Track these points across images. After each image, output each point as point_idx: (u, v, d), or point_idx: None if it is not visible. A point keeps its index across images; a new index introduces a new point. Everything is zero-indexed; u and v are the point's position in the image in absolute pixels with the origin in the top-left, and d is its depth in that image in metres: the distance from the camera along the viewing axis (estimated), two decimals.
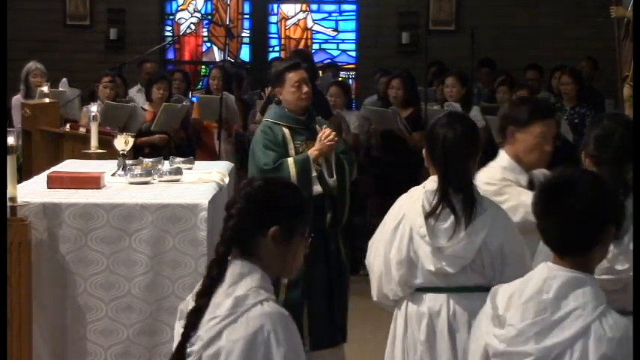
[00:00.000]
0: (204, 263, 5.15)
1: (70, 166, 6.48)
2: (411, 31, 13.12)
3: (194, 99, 11.02)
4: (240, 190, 3.26)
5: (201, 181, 5.86)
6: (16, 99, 10.20)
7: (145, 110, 9.69)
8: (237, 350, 3.05)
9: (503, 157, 4.87)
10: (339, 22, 13.81)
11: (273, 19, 13.88)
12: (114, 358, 5.17)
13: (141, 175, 5.78)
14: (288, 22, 13.88)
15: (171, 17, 13.89)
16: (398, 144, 9.61)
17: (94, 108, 7.19)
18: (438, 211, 4.36)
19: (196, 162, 6.59)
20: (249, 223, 3.18)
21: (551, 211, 3.20)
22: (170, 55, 13.98)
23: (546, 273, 3.20)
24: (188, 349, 3.15)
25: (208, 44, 14.07)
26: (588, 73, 11.22)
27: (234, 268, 3.17)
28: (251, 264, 3.17)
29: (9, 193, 4.97)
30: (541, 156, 4.82)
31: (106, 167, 6.03)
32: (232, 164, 7.01)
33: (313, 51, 13.76)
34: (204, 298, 3.16)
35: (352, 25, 13.75)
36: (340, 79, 12.82)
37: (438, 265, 4.38)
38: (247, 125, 10.18)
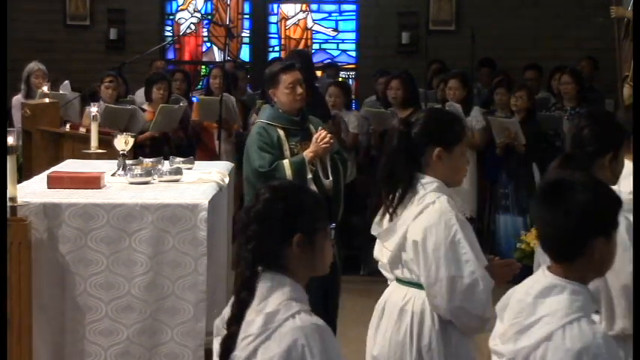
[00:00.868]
0: (204, 263, 5.16)
1: (70, 166, 6.48)
2: (411, 31, 13.12)
3: (194, 99, 11.01)
4: (249, 209, 3.19)
5: (201, 181, 5.86)
6: (17, 99, 10.21)
7: (145, 110, 9.69)
8: None
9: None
10: (339, 22, 13.81)
11: (273, 19, 13.88)
12: (114, 358, 5.17)
13: (141, 175, 5.78)
14: (288, 22, 13.88)
15: (171, 17, 13.90)
16: None
17: (94, 108, 7.19)
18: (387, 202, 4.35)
19: (196, 162, 6.59)
20: (269, 242, 3.14)
21: (544, 214, 3.18)
22: (170, 55, 13.98)
23: (537, 276, 3.20)
24: None
25: (208, 44, 14.07)
26: (588, 73, 11.22)
27: (262, 283, 3.13)
28: (279, 275, 3.14)
29: (9, 193, 4.98)
30: None
31: (106, 167, 6.03)
32: (232, 164, 7.01)
33: (313, 51, 13.76)
34: (234, 324, 3.11)
35: (352, 25, 13.76)
36: (340, 79, 12.82)
37: (377, 253, 4.38)
38: (247, 125, 10.18)
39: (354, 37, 13.74)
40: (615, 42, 7.95)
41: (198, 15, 13.90)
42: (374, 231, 4.40)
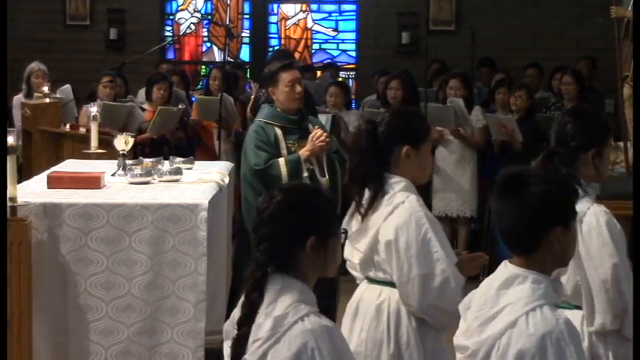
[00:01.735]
0: (204, 263, 5.16)
1: (70, 166, 6.48)
2: (411, 31, 13.12)
3: (193, 99, 11.01)
4: (263, 210, 3.16)
5: (201, 181, 5.86)
6: (17, 99, 10.21)
7: (145, 110, 9.69)
8: None
9: None
10: (339, 22, 13.81)
11: (273, 19, 13.88)
12: (114, 358, 5.17)
13: (141, 175, 5.79)
14: (288, 22, 13.88)
15: (171, 17, 13.89)
16: None
17: (93, 108, 7.20)
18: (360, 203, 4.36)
19: (196, 162, 6.59)
20: (283, 244, 3.12)
21: (500, 207, 3.19)
22: (170, 55, 13.97)
23: (499, 270, 3.22)
24: None
25: (208, 44, 14.07)
26: (587, 73, 11.21)
27: (271, 285, 3.11)
28: (288, 278, 3.12)
29: (9, 193, 4.98)
30: None
31: (106, 167, 6.04)
32: (232, 164, 7.01)
33: (313, 51, 13.77)
34: (245, 325, 3.09)
35: (352, 25, 13.75)
36: (340, 79, 12.82)
37: (347, 254, 4.38)
38: (246, 125, 10.18)
39: (354, 37, 13.73)
40: (615, 42, 7.93)
41: (198, 15, 13.90)
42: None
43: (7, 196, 4.97)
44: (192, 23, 13.91)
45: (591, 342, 4.07)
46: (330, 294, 6.48)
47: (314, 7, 13.86)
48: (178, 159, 6.45)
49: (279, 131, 6.55)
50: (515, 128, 9.23)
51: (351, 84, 13.18)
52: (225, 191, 6.12)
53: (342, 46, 13.84)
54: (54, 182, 5.53)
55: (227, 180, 6.21)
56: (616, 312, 3.99)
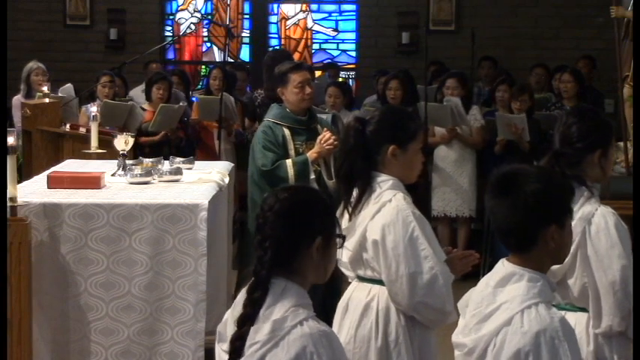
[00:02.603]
0: (204, 263, 5.16)
1: (70, 166, 6.48)
2: (411, 31, 13.12)
3: (194, 99, 11.01)
4: (267, 209, 3.13)
5: (201, 181, 5.86)
6: (17, 99, 10.21)
7: (145, 110, 9.69)
8: None
9: None
10: (339, 22, 13.81)
11: (273, 19, 13.88)
12: (114, 358, 5.17)
13: (141, 175, 5.79)
14: (288, 22, 13.88)
15: (171, 17, 13.89)
16: None
17: (93, 108, 7.20)
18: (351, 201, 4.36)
19: (196, 162, 6.59)
20: (289, 243, 3.10)
21: (495, 207, 3.20)
22: (170, 55, 13.98)
23: (496, 268, 3.23)
24: None
25: (208, 44, 14.07)
26: (587, 72, 11.21)
27: (271, 287, 3.09)
28: (286, 281, 3.10)
29: (9, 193, 4.98)
30: None
31: (106, 167, 6.03)
32: (232, 164, 7.01)
33: (313, 51, 13.77)
34: (247, 324, 3.07)
35: (352, 25, 13.75)
36: (340, 79, 12.82)
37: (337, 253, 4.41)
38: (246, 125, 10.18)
39: (354, 37, 13.73)
40: (615, 42, 7.94)
41: (198, 15, 13.90)
42: None
43: (7, 196, 4.97)
44: (192, 23, 13.91)
45: (597, 344, 4.06)
46: (333, 293, 6.47)
47: (314, 7, 13.86)
48: (178, 159, 6.45)
49: (287, 132, 6.56)
50: (525, 127, 9.22)
51: (351, 84, 13.18)
52: (225, 191, 6.12)
53: (342, 46, 13.84)
54: (54, 182, 5.53)
55: (227, 180, 6.21)
56: (624, 314, 3.98)
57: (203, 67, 13.98)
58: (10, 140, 5.04)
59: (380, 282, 4.30)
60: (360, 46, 13.60)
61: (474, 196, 9.51)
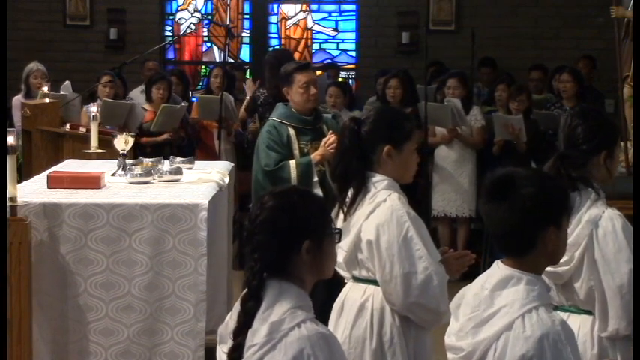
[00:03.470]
0: (204, 263, 5.16)
1: (70, 166, 6.48)
2: (411, 31, 13.11)
3: (194, 99, 11.01)
4: (255, 218, 3.13)
5: (201, 181, 5.86)
6: (17, 99, 10.22)
7: (146, 110, 9.70)
8: None
9: None
10: (339, 22, 13.80)
11: (273, 19, 13.87)
12: (114, 358, 5.17)
13: (141, 175, 5.79)
14: (288, 22, 13.88)
15: (171, 17, 13.89)
16: None
17: (93, 108, 7.20)
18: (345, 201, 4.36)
19: (196, 162, 6.59)
20: (277, 250, 3.10)
21: (491, 211, 3.19)
22: (170, 55, 13.97)
23: (491, 270, 3.21)
24: None
25: (208, 44, 14.07)
26: (587, 72, 11.21)
27: (268, 290, 3.09)
28: (284, 282, 3.10)
29: (9, 193, 4.98)
30: None
31: (106, 167, 6.04)
32: (232, 164, 7.01)
33: (313, 51, 13.76)
34: (241, 334, 3.07)
35: (352, 25, 13.75)
36: (340, 79, 12.82)
37: None
38: (246, 125, 10.18)
39: (354, 37, 13.73)
40: (615, 42, 7.94)
41: (198, 15, 13.89)
42: None
43: (7, 196, 4.97)
44: (192, 23, 13.90)
45: (601, 347, 4.05)
46: (335, 295, 6.47)
47: (314, 7, 13.85)
48: (178, 159, 6.45)
49: (292, 132, 6.57)
50: (522, 128, 9.23)
51: (351, 84, 13.17)
52: (225, 191, 6.12)
53: (342, 46, 13.83)
54: (54, 182, 5.53)
55: (227, 180, 6.21)
56: (630, 317, 3.97)
57: (203, 67, 13.98)
58: (10, 140, 5.05)
59: (375, 282, 4.30)
60: (360, 46, 13.59)
61: (474, 196, 9.52)
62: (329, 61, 13.64)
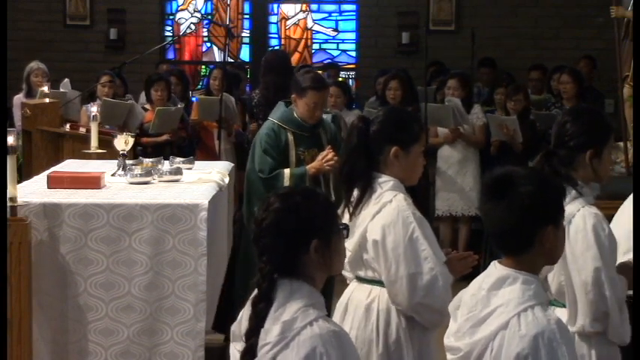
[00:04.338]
0: (204, 263, 5.16)
1: (70, 166, 6.48)
2: (411, 31, 13.11)
3: (194, 99, 11.01)
4: (261, 220, 3.14)
5: (201, 181, 5.86)
6: (18, 98, 10.22)
7: (147, 110, 9.70)
8: None
9: None
10: (339, 22, 13.80)
11: (273, 19, 13.87)
12: (114, 358, 5.17)
13: (141, 175, 5.79)
14: (288, 22, 13.88)
15: (171, 17, 13.89)
16: None
17: (93, 108, 7.20)
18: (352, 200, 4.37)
19: (196, 162, 6.59)
20: (285, 252, 3.11)
21: (489, 210, 3.19)
22: (170, 55, 13.97)
23: (488, 270, 3.22)
24: None
25: (208, 44, 14.07)
26: (587, 73, 11.21)
27: (279, 290, 3.10)
28: (295, 282, 3.11)
29: (9, 193, 4.98)
30: None
31: (106, 167, 6.04)
32: (232, 164, 7.01)
33: (313, 51, 13.76)
34: (253, 336, 3.08)
35: (352, 25, 13.75)
36: (340, 79, 12.82)
37: None
38: (247, 125, 10.18)
39: (354, 37, 13.73)
40: (615, 42, 7.94)
41: (198, 15, 13.89)
42: None
43: (7, 196, 4.97)
44: (192, 23, 13.90)
45: (575, 342, 4.07)
46: (326, 295, 6.46)
47: (314, 7, 13.85)
48: (178, 159, 6.45)
49: (290, 137, 6.54)
50: (516, 129, 9.24)
51: (351, 84, 13.17)
52: (225, 191, 6.12)
53: (342, 46, 13.83)
54: (54, 182, 5.53)
55: (227, 180, 6.21)
56: (595, 315, 4.00)
57: (203, 67, 13.98)
58: (10, 140, 5.05)
59: (380, 283, 4.30)
60: (360, 46, 13.59)
61: (477, 196, 9.52)
62: (329, 61, 13.64)
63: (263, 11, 13.82)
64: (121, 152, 5.99)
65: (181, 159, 6.48)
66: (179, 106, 9.86)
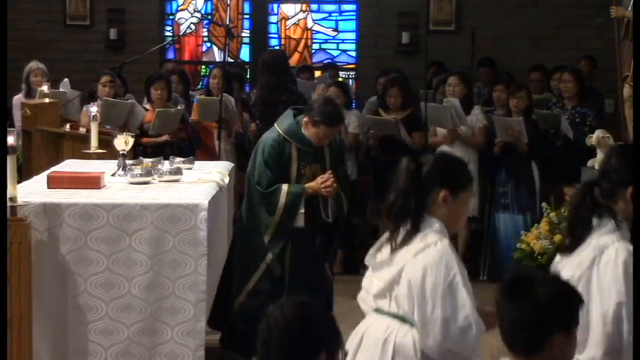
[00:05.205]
0: (204, 263, 5.16)
1: (70, 166, 6.48)
2: (411, 31, 13.10)
3: (194, 99, 11.00)
4: (272, 324, 3.11)
5: (201, 181, 5.86)
6: (17, 98, 10.22)
7: (147, 110, 9.70)
8: None
9: None
10: (339, 22, 13.79)
11: (273, 19, 13.87)
12: (114, 358, 5.17)
13: (141, 175, 5.79)
14: (288, 22, 13.87)
15: (171, 17, 13.88)
16: (396, 143, 9.63)
17: (93, 108, 7.20)
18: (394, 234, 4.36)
19: (196, 162, 6.59)
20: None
21: (504, 306, 3.22)
22: (170, 55, 13.97)
23: None
24: None
25: (208, 44, 14.07)
26: (587, 72, 11.21)
27: None
28: None
29: (9, 193, 4.98)
30: None
31: (106, 167, 6.04)
32: (232, 164, 7.01)
33: (313, 51, 13.76)
34: None
35: (352, 25, 13.74)
36: (340, 79, 12.82)
37: (365, 282, 4.39)
38: (247, 126, 10.18)
39: (354, 37, 13.72)
40: (615, 42, 7.94)
41: (198, 15, 13.88)
42: (367, 262, 4.41)
43: (7, 196, 4.97)
44: (192, 23, 13.89)
45: None
46: (325, 301, 6.45)
47: (314, 7, 13.85)
48: (178, 159, 6.45)
49: (294, 152, 6.51)
50: (522, 130, 9.23)
51: (351, 84, 13.17)
52: (225, 191, 6.13)
53: (342, 46, 13.83)
54: (54, 182, 5.53)
55: (227, 180, 6.22)
56: (608, 349, 4.00)
57: (203, 67, 13.98)
58: (10, 140, 5.05)
59: (399, 318, 4.28)
60: (360, 46, 13.59)
61: (476, 197, 9.51)
62: (329, 61, 13.64)
63: (263, 11, 13.81)
64: (121, 152, 6.00)
65: (181, 159, 6.48)
66: (181, 105, 9.86)
